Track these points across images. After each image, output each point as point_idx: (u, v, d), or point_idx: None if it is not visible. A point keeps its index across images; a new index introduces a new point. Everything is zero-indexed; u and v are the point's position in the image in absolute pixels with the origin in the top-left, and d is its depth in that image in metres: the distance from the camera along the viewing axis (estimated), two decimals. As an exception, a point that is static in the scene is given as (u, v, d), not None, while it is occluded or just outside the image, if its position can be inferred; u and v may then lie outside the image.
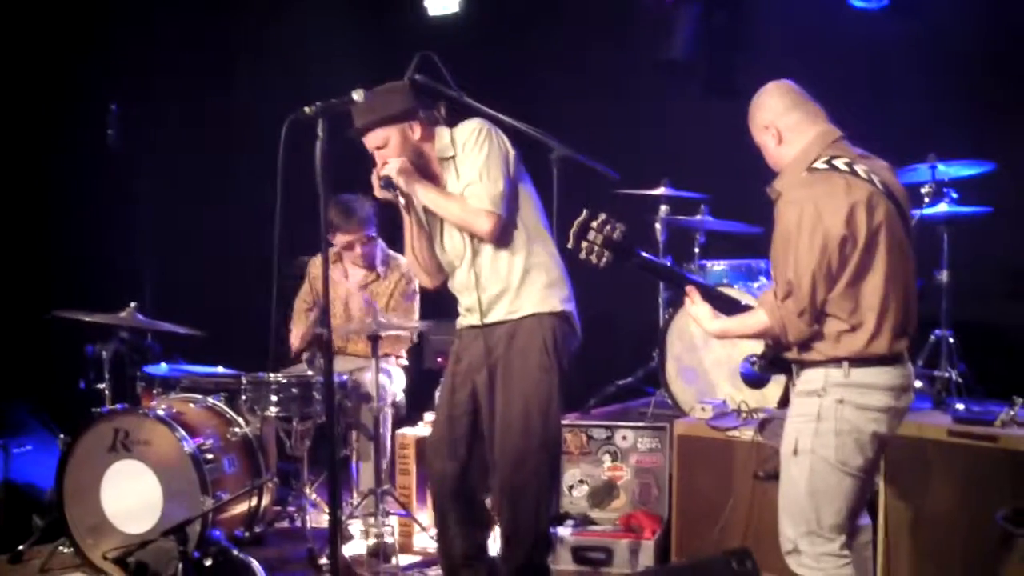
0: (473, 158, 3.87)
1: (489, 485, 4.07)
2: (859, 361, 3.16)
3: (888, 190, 3.22)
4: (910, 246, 3.30)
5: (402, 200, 3.98)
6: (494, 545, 4.17)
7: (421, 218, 4.05)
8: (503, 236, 3.89)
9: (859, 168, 3.20)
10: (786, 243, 3.15)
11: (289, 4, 7.07)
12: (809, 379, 3.24)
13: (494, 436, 3.90)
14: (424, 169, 3.95)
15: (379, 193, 3.95)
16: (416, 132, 3.93)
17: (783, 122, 3.30)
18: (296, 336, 5.48)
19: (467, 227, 3.89)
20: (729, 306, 3.42)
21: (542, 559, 4.03)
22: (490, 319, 3.95)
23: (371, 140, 3.94)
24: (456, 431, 4.02)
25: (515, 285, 3.91)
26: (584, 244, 3.31)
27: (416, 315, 5.44)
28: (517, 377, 3.88)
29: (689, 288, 3.43)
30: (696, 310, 3.43)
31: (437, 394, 5.26)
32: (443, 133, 3.99)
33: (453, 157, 3.93)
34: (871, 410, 3.17)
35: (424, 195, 3.90)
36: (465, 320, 4.08)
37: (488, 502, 4.15)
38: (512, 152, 3.95)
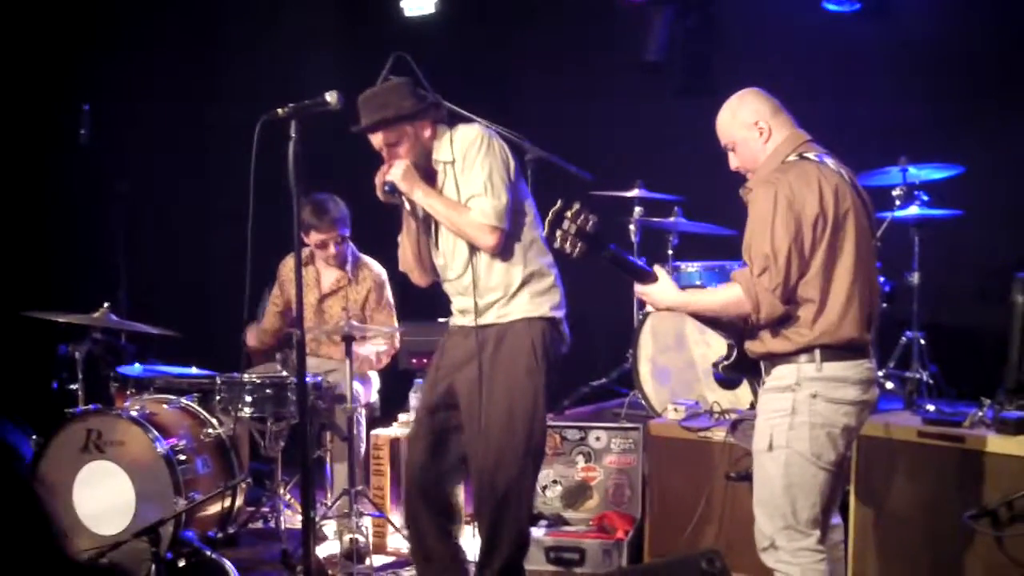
0: (477, 169, 3.82)
1: (461, 480, 4.08)
2: (830, 351, 3.19)
3: (854, 184, 3.31)
4: (874, 245, 3.36)
5: (407, 204, 3.96)
6: (466, 543, 4.17)
7: (420, 222, 4.03)
8: (504, 247, 3.88)
9: (828, 160, 3.29)
10: (763, 222, 3.18)
11: (265, 4, 7.06)
12: (781, 375, 3.27)
13: (476, 436, 3.88)
14: (428, 170, 3.92)
15: (382, 196, 3.92)
16: (426, 131, 3.90)
17: (772, 121, 3.35)
18: (254, 336, 5.43)
19: (470, 239, 3.86)
20: None
21: (520, 560, 4.03)
22: (483, 321, 3.93)
23: (381, 138, 3.88)
24: (433, 424, 4.02)
25: (511, 292, 3.90)
26: (559, 233, 3.30)
27: (392, 326, 5.42)
28: (503, 379, 3.87)
29: (656, 267, 3.41)
30: (658, 285, 3.37)
31: (412, 395, 5.29)
32: (443, 135, 3.94)
33: (452, 162, 3.88)
34: (843, 403, 3.21)
35: (427, 202, 3.87)
36: (457, 320, 4.07)
37: (460, 497, 4.15)
38: (512, 161, 3.93)
